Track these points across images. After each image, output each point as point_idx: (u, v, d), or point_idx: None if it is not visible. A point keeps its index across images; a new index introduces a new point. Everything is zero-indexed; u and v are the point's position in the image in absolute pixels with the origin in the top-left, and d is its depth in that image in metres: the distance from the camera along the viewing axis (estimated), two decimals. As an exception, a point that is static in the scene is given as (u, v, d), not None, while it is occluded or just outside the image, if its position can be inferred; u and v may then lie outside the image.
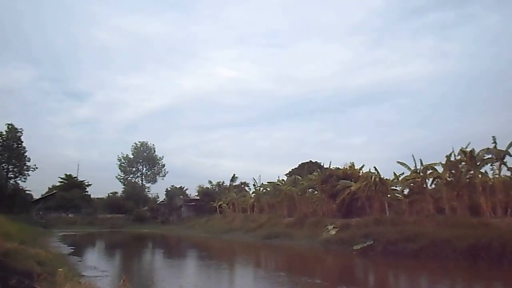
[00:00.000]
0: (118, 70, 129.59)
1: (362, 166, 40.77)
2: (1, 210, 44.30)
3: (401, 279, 20.28)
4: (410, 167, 33.23)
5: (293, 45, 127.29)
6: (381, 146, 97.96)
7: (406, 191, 35.65)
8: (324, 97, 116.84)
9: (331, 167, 43.12)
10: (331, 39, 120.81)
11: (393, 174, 35.68)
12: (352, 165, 41.54)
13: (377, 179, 34.91)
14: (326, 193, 39.92)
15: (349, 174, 39.78)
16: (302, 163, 62.09)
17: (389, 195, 36.58)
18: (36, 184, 72.96)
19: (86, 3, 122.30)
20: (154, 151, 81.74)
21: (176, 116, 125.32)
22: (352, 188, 36.53)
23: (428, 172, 32.75)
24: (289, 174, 57.68)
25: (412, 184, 34.03)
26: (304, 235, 35.63)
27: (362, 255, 26.60)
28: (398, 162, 34.42)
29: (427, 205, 31.90)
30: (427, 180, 33.12)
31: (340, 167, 41.62)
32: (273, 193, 50.47)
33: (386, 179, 35.77)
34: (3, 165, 62.63)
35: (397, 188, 37.00)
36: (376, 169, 36.23)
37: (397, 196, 37.04)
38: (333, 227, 33.61)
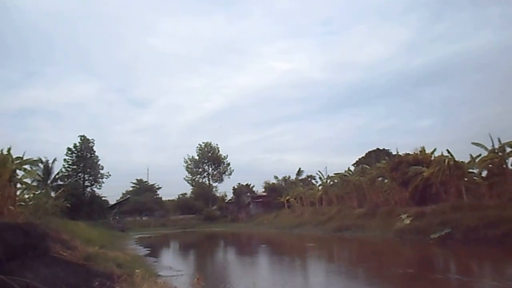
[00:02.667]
0: (176, 75, 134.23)
1: (434, 150, 38.74)
2: (81, 217, 47.03)
3: (489, 267, 18.93)
4: (487, 147, 31.18)
5: (348, 30, 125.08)
6: (451, 127, 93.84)
7: (484, 173, 33.35)
8: (386, 80, 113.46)
9: (400, 153, 41.51)
10: (387, 19, 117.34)
11: (468, 156, 33.71)
12: (422, 150, 39.58)
13: (451, 162, 32.91)
14: (396, 181, 38.33)
15: (420, 159, 37.85)
16: (369, 152, 60.71)
17: (465, 179, 34.40)
18: (111, 190, 77.18)
19: (138, 13, 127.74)
20: (218, 151, 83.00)
21: (236, 114, 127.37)
22: (424, 174, 34.76)
23: (508, 151, 30.48)
24: (356, 164, 56.43)
25: (490, 165, 31.80)
26: (376, 226, 34.61)
27: (440, 244, 25.24)
28: (473, 143, 32.45)
29: (509, 187, 29.63)
30: (507, 160, 30.86)
31: (410, 153, 39.86)
32: (341, 185, 49.54)
33: (461, 162, 33.71)
34: (80, 174, 66.44)
35: (474, 170, 34.72)
36: (449, 152, 34.16)
37: (475, 180, 34.65)
38: (407, 216, 32.30)
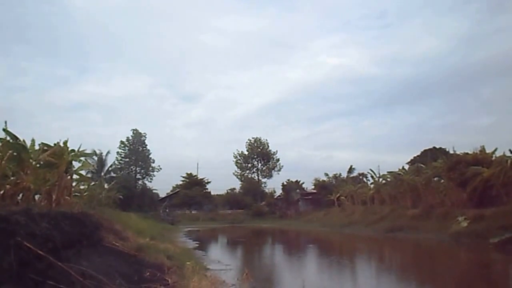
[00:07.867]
0: (225, 70, 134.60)
1: (495, 150, 36.79)
2: (132, 209, 48.53)
3: None
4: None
5: (403, 23, 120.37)
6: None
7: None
8: (443, 76, 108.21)
9: (457, 152, 39.57)
10: (445, 11, 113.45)
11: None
12: (482, 149, 37.60)
13: (514, 163, 31.18)
14: (454, 181, 36.63)
15: (480, 159, 35.92)
16: (425, 150, 58.54)
17: (529, 181, 32.49)
18: (161, 183, 79.04)
19: (188, 10, 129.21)
20: (268, 146, 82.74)
21: (285, 110, 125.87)
22: (484, 174, 33.04)
23: None
24: (411, 163, 54.67)
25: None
26: (431, 228, 33.30)
27: (500, 249, 23.77)
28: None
29: None
30: None
31: (469, 152, 37.96)
32: (395, 184, 48.10)
33: (525, 162, 31.76)
34: (132, 167, 68.67)
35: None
36: (512, 152, 32.37)
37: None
38: (464, 219, 30.91)
